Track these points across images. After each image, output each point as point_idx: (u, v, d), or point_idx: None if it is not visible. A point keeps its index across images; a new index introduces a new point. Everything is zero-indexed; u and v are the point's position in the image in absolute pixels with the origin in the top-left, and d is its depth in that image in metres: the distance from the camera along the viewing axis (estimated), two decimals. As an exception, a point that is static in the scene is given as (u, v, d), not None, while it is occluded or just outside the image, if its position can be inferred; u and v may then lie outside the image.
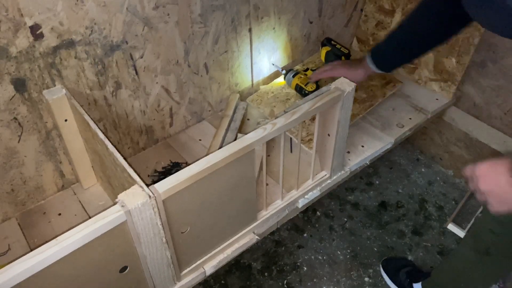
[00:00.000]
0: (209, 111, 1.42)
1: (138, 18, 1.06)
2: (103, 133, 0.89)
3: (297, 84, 1.42)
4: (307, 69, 1.48)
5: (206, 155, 0.82)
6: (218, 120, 1.42)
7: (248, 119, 1.41)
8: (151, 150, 1.32)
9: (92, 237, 0.70)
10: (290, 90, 1.48)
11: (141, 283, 0.88)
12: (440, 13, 0.92)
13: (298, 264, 1.39)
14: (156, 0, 1.06)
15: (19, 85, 0.95)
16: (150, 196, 0.74)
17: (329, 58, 1.51)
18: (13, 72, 0.93)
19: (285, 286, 1.34)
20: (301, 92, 1.42)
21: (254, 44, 1.38)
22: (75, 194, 1.17)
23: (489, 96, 1.48)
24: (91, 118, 0.93)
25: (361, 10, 1.66)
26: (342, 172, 1.22)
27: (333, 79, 1.04)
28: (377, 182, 1.66)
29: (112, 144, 0.87)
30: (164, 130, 1.33)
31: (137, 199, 0.73)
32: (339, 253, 1.42)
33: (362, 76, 1.13)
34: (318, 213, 1.54)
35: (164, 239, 0.83)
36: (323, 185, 1.18)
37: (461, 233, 1.46)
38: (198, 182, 0.81)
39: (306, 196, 1.15)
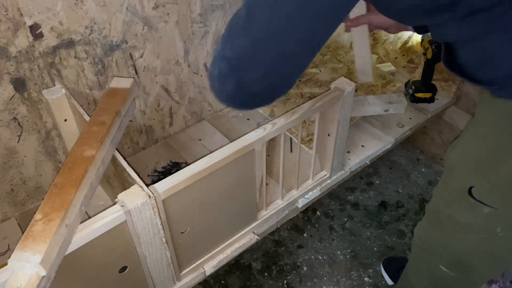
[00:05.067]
0: (209, 111, 1.42)
1: (138, 18, 1.06)
2: (102, 133, 0.89)
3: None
4: None
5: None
6: (218, 120, 1.42)
7: (248, 119, 1.41)
8: (150, 150, 1.32)
9: (92, 237, 0.70)
10: (290, 90, 1.48)
11: (141, 283, 0.88)
12: None
13: (298, 264, 1.39)
14: (156, 0, 1.06)
15: (19, 84, 0.95)
16: (150, 196, 0.74)
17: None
18: (13, 71, 0.93)
19: (285, 286, 1.34)
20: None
21: (254, 44, 1.38)
22: (74, 194, 1.17)
23: (489, 96, 1.48)
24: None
25: (361, 9, 1.65)
26: (342, 172, 1.22)
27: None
28: (377, 182, 1.66)
29: (111, 144, 0.87)
30: (163, 130, 1.33)
31: (137, 199, 0.73)
32: (339, 253, 1.42)
33: (397, 25, 0.95)
34: (318, 213, 1.54)
35: (163, 239, 0.83)
36: (323, 185, 1.18)
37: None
38: (198, 182, 0.81)
39: (306, 196, 1.15)
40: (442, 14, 0.64)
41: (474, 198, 0.77)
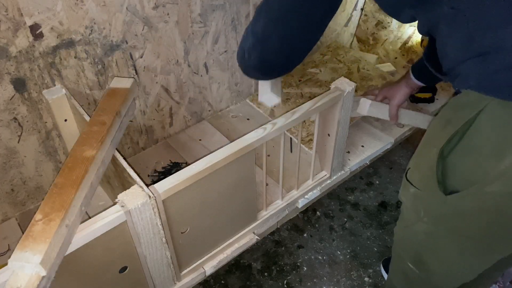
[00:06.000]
0: (209, 111, 1.42)
1: (138, 18, 1.06)
2: (103, 133, 0.89)
3: None
4: None
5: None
6: (218, 120, 1.42)
7: (248, 119, 1.41)
8: (151, 150, 1.32)
9: (92, 237, 0.70)
10: (291, 90, 1.48)
11: (141, 283, 0.88)
12: None
13: (298, 264, 1.39)
14: (156, 0, 1.06)
15: (19, 85, 0.95)
16: (150, 196, 0.74)
17: None
18: (13, 72, 0.93)
19: (285, 286, 1.34)
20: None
21: (254, 44, 1.38)
22: (75, 194, 1.17)
23: (489, 96, 1.48)
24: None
25: (361, 9, 1.66)
26: (342, 172, 1.22)
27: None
28: (377, 182, 1.66)
29: (112, 144, 0.87)
30: (164, 130, 1.33)
31: (137, 199, 0.73)
32: (339, 253, 1.42)
33: (407, 93, 1.12)
34: (318, 213, 1.54)
35: (164, 239, 0.83)
36: (323, 185, 1.18)
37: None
38: (198, 182, 0.81)
39: (306, 196, 1.15)
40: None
41: (406, 178, 0.85)
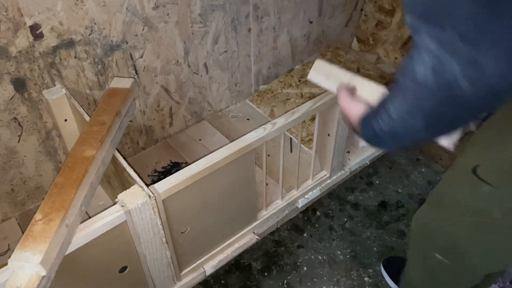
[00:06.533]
0: (209, 111, 1.42)
1: (138, 18, 1.06)
2: (103, 133, 0.89)
3: None
4: None
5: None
6: (218, 120, 1.42)
7: (248, 119, 1.41)
8: (151, 150, 1.32)
9: (92, 237, 0.71)
10: (291, 90, 1.48)
11: (141, 283, 0.88)
12: None
13: (298, 264, 1.39)
14: (156, 0, 1.06)
15: (19, 85, 0.95)
16: (150, 196, 0.74)
17: None
18: (13, 72, 0.93)
19: (285, 286, 1.34)
20: None
21: (253, 44, 1.38)
22: (75, 194, 1.17)
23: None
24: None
25: (361, 9, 1.66)
26: (342, 172, 1.22)
27: None
28: (377, 182, 1.66)
29: (112, 144, 0.87)
30: (164, 130, 1.33)
31: (137, 199, 0.73)
32: (339, 253, 1.42)
33: None
34: (318, 213, 1.54)
35: (164, 239, 0.83)
36: (323, 185, 1.18)
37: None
38: (198, 182, 0.81)
39: (306, 196, 1.15)
40: None
41: (477, 176, 0.79)
